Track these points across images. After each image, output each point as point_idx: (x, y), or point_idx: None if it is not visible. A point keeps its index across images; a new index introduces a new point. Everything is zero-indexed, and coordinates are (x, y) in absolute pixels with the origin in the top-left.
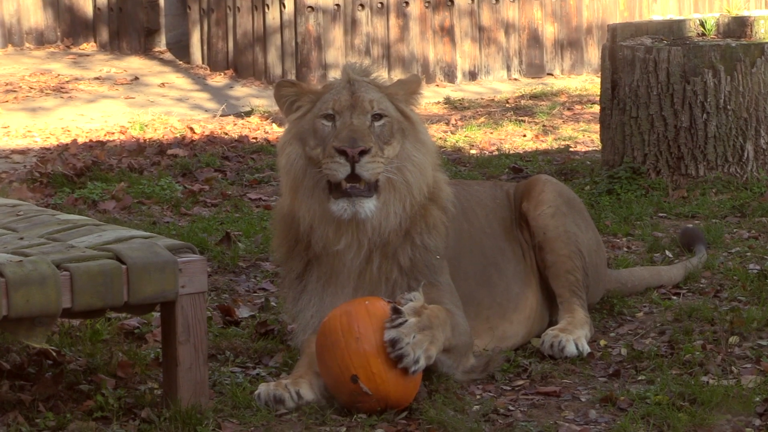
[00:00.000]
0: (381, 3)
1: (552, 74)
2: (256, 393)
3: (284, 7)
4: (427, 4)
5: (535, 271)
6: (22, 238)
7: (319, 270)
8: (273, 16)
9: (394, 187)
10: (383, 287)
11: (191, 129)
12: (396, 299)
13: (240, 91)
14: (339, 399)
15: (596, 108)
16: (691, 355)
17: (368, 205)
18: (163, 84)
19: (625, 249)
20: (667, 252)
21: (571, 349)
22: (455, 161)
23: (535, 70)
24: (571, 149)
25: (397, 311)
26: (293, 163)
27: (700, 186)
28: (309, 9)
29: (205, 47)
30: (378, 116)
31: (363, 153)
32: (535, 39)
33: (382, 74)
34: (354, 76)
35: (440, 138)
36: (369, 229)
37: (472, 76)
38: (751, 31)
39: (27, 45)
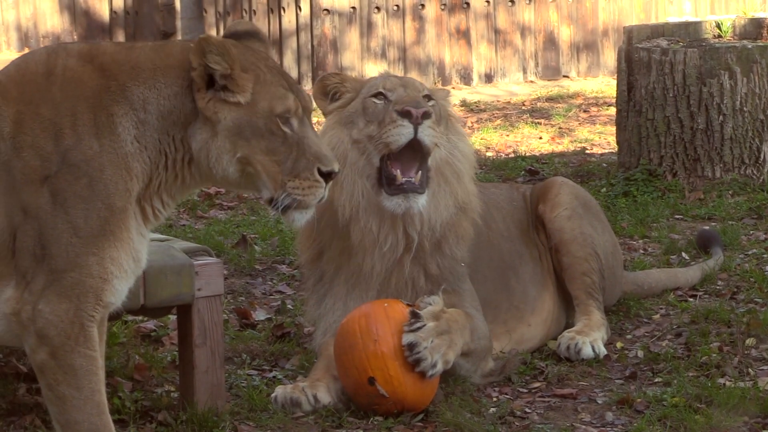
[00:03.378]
0: (397, 6)
1: (568, 76)
2: (273, 396)
3: (300, 10)
4: (443, 7)
5: (551, 274)
6: None
7: (348, 272)
8: (289, 19)
9: (444, 178)
10: (408, 293)
11: None
12: (415, 303)
13: None
14: (356, 401)
15: (612, 110)
16: (707, 357)
17: (421, 201)
18: None
19: (642, 251)
20: (683, 254)
21: (587, 352)
22: None
23: (551, 72)
24: (587, 151)
25: (415, 315)
26: (335, 147)
27: (717, 188)
28: (325, 12)
29: None
30: (428, 97)
31: (426, 116)
32: (551, 41)
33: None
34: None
35: None
36: (418, 223)
37: (488, 78)
38: (767, 33)
39: None
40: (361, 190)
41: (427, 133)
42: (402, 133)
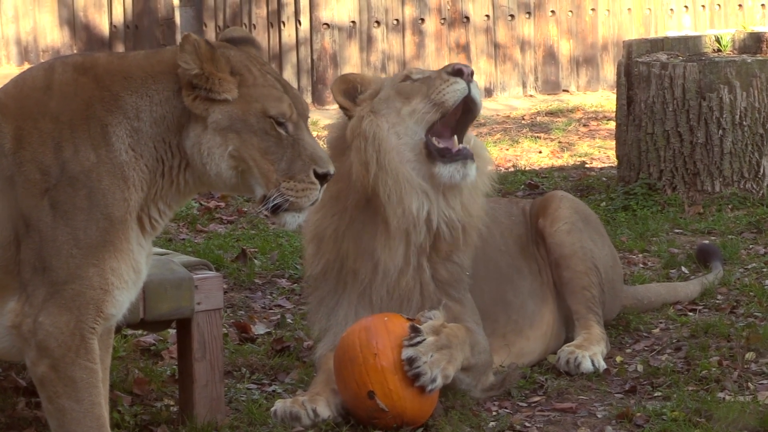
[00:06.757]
0: (397, 20)
1: (568, 91)
2: (272, 410)
3: (300, 24)
4: (442, 21)
5: (552, 288)
6: None
7: (354, 282)
8: (289, 33)
9: (481, 157)
10: (416, 297)
11: None
12: (416, 317)
13: None
14: (355, 415)
15: (612, 124)
16: (707, 371)
17: (474, 170)
18: None
19: (641, 265)
20: (683, 268)
21: (587, 366)
22: None
23: (551, 86)
24: (587, 165)
25: (415, 330)
26: (377, 131)
27: (716, 202)
28: (325, 26)
29: None
30: None
31: (473, 75)
32: (550, 56)
33: None
34: None
35: None
36: (460, 197)
37: (488, 92)
38: (767, 47)
39: None
40: (406, 167)
41: (477, 91)
42: (457, 89)
